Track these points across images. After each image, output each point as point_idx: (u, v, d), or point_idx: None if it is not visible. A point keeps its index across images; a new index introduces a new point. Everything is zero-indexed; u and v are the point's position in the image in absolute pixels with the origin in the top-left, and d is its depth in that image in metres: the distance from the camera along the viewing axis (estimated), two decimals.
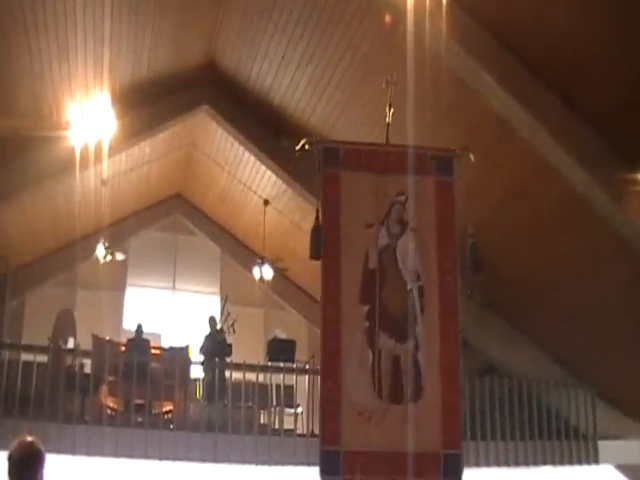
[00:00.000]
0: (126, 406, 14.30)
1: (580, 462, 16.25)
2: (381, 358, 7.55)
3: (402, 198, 7.97)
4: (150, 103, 14.91)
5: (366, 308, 7.66)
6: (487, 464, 15.31)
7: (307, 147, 8.04)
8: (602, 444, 16.29)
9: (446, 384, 7.60)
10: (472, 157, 8.20)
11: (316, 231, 7.79)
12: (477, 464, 14.87)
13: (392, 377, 7.53)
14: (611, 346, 14.29)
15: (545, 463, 16.11)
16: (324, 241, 7.75)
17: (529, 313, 15.32)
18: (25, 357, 14.18)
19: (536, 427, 16.05)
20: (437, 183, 8.11)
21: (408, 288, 7.81)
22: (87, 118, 12.75)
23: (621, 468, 16.84)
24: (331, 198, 7.92)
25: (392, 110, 8.50)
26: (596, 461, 16.30)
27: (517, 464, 15.61)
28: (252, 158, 17.31)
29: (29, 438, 4.50)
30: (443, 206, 8.05)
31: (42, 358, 14.13)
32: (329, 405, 7.47)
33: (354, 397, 7.42)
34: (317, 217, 7.82)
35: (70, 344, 15.19)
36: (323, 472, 7.28)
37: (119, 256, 17.44)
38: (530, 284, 14.63)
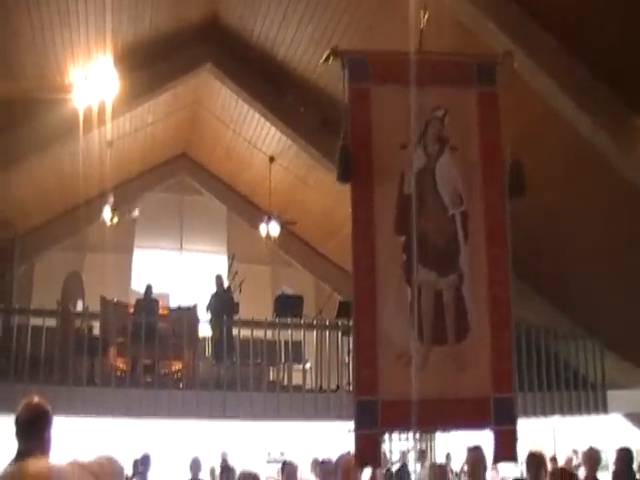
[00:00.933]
0: (134, 367, 14.39)
1: (589, 411, 16.36)
2: (421, 295, 6.73)
3: (440, 113, 7.06)
4: (153, 63, 14.80)
5: (402, 239, 6.79)
6: None
7: (331, 60, 6.95)
8: (611, 394, 16.38)
9: (496, 319, 6.95)
10: (515, 64, 7.37)
11: (344, 149, 6.75)
12: None
13: (434, 315, 6.74)
14: (620, 296, 14.22)
15: (554, 413, 16.22)
16: (353, 167, 6.79)
17: (535, 264, 15.16)
18: (34, 321, 14.25)
19: (545, 377, 16.10)
20: (479, 94, 7.24)
21: (449, 214, 6.97)
22: (91, 80, 12.69)
23: (630, 417, 16.96)
24: (360, 117, 6.94)
25: (427, 14, 7.43)
26: (605, 410, 16.40)
27: (526, 414, 15.62)
28: (257, 115, 17.21)
29: (35, 399, 4.49)
30: (487, 119, 7.23)
31: (51, 322, 14.22)
32: (364, 350, 6.66)
33: (391, 339, 6.61)
34: (344, 137, 6.80)
35: (79, 307, 15.25)
36: (359, 425, 6.51)
37: (135, 213, 17.44)
38: (535, 233, 14.46)
